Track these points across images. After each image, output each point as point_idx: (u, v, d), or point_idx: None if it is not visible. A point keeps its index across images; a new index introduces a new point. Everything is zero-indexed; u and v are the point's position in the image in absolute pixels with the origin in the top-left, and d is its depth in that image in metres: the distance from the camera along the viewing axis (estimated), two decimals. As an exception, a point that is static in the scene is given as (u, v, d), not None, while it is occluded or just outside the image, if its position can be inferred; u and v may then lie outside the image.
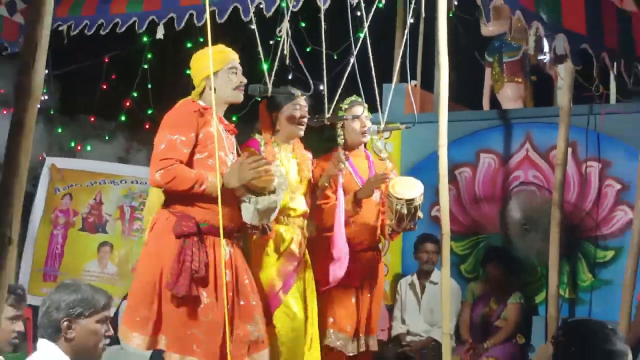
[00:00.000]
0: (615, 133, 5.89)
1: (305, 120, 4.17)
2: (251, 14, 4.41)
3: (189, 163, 3.59)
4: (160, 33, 5.43)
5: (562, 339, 2.43)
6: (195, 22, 5.23)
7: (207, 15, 3.21)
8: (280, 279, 4.08)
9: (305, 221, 4.24)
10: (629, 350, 2.35)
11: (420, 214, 4.38)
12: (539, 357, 2.41)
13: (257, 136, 4.18)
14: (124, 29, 5.64)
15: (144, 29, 5.57)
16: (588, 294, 5.95)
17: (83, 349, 2.92)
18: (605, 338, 2.35)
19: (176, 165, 3.51)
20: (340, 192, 4.26)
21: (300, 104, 4.14)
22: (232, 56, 3.79)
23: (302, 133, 4.22)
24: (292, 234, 4.14)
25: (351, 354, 4.42)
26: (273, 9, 4.76)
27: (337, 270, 4.16)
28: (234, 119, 5.92)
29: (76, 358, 2.90)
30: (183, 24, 5.34)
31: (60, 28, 5.80)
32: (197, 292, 3.54)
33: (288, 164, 4.12)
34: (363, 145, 4.61)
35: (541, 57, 6.36)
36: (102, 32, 5.75)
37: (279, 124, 4.16)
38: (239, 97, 3.79)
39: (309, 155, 4.37)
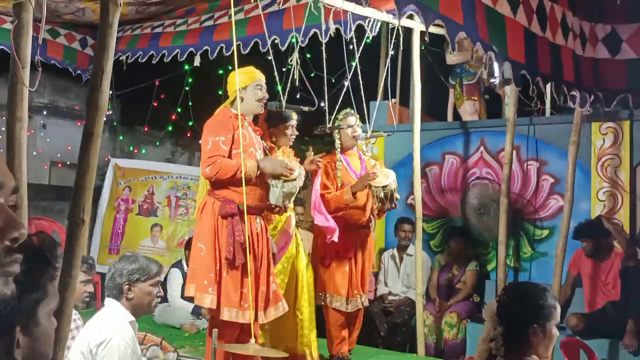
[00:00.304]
0: (549, 139, 5.89)
1: (294, 136, 4.19)
2: (268, 46, 4.43)
3: (229, 157, 3.57)
4: (197, 61, 5.45)
5: (504, 297, 2.42)
6: (224, 52, 5.23)
7: (234, 48, 3.21)
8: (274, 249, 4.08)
9: (293, 205, 4.24)
10: (558, 305, 2.34)
11: (397, 195, 4.36)
12: (486, 311, 2.38)
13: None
14: (169, 58, 5.66)
15: (184, 58, 5.58)
16: (528, 263, 5.96)
17: (140, 306, 2.93)
18: (538, 295, 2.34)
19: (220, 160, 3.49)
20: (317, 182, 4.29)
21: (292, 124, 4.15)
22: (259, 76, 3.75)
23: (291, 144, 4.21)
24: (286, 216, 4.12)
25: (350, 311, 4.41)
26: (286, 44, 4.77)
27: (332, 232, 4.16)
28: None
29: (134, 312, 2.92)
30: (215, 54, 5.35)
31: (120, 58, 5.86)
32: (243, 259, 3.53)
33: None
34: (356, 147, 4.59)
35: (492, 80, 6.38)
36: (153, 62, 5.78)
37: (275, 137, 4.15)
38: (260, 109, 3.77)
39: (292, 151, 4.30)
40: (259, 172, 3.55)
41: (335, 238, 4.13)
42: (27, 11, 2.27)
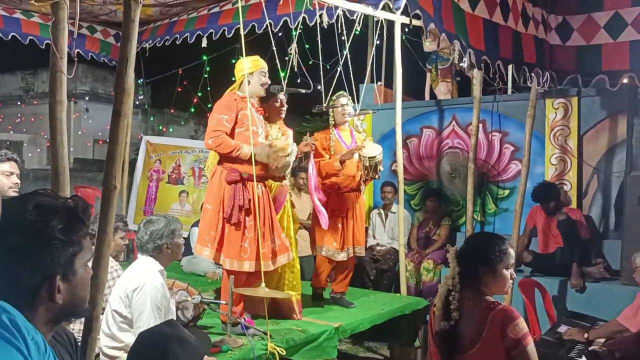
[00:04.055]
0: (510, 113, 5.86)
1: (284, 109, 3.98)
2: (266, 28, 4.36)
3: (232, 134, 3.51)
4: (204, 43, 5.37)
5: (463, 244, 2.42)
6: (226, 34, 5.23)
7: (242, 32, 3.15)
8: None
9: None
10: (510, 251, 2.31)
11: (381, 167, 4.31)
12: (450, 255, 2.37)
13: None
14: (180, 40, 5.63)
15: (193, 39, 5.54)
16: (492, 217, 5.97)
17: (174, 256, 2.99)
18: (489, 242, 2.32)
19: (222, 135, 3.45)
20: (311, 167, 4.11)
21: (280, 98, 3.94)
22: (263, 64, 3.68)
23: (282, 116, 4.01)
24: (276, 184, 3.95)
25: (340, 260, 4.41)
26: (279, 26, 4.73)
27: (323, 220, 4.09)
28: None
29: (169, 262, 2.96)
30: (218, 35, 5.32)
31: (144, 45, 5.91)
32: (244, 218, 3.50)
33: (275, 137, 3.94)
34: (347, 123, 4.53)
35: (462, 64, 6.28)
36: (166, 44, 5.82)
37: (267, 111, 3.95)
38: (263, 92, 3.70)
39: (290, 131, 4.12)
40: (253, 156, 3.40)
41: (325, 225, 4.06)
42: (62, 9, 2.21)
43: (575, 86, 4.92)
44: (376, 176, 4.32)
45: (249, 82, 3.55)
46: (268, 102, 3.96)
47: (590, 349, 3.50)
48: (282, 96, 3.98)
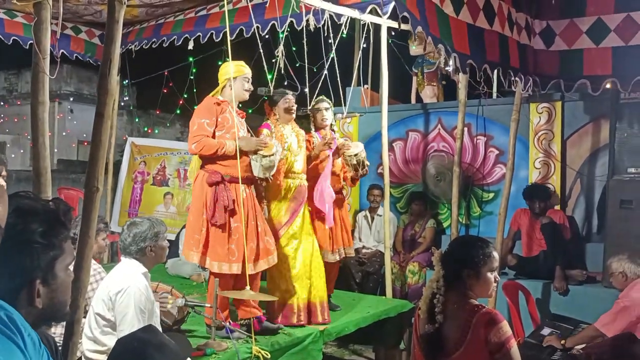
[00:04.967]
0: (495, 117, 5.90)
1: (294, 108, 4.04)
2: (253, 31, 4.37)
3: (213, 138, 3.50)
4: (190, 45, 5.39)
5: (447, 248, 2.43)
6: (214, 38, 5.27)
7: (228, 37, 3.14)
8: (287, 215, 3.95)
9: (305, 175, 4.09)
10: (494, 254, 2.32)
11: (367, 162, 4.32)
12: (435, 258, 2.37)
13: (268, 121, 4.06)
14: (167, 43, 5.64)
15: (180, 42, 5.54)
16: (477, 220, 6.00)
17: (158, 259, 2.96)
18: (473, 246, 2.33)
19: (204, 138, 3.43)
20: (329, 163, 4.15)
21: (289, 99, 4.00)
22: (246, 70, 3.66)
23: (293, 116, 4.07)
24: (296, 184, 3.99)
25: (332, 262, 4.40)
26: (267, 29, 4.76)
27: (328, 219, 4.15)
28: (249, 111, 5.83)
29: (153, 265, 2.93)
30: (206, 39, 5.34)
31: (130, 47, 5.88)
32: (228, 220, 3.48)
33: (291, 137, 3.99)
34: (330, 126, 4.51)
35: (447, 68, 6.34)
36: (153, 46, 5.83)
37: (278, 113, 4.06)
38: (246, 97, 3.68)
39: (302, 131, 4.19)
40: (237, 150, 3.44)
41: (329, 224, 4.11)
42: (45, 9, 2.19)
43: (559, 91, 4.98)
44: (365, 171, 4.34)
45: (231, 87, 3.54)
46: (277, 104, 3.98)
47: (569, 352, 3.54)
48: (290, 96, 3.99)
